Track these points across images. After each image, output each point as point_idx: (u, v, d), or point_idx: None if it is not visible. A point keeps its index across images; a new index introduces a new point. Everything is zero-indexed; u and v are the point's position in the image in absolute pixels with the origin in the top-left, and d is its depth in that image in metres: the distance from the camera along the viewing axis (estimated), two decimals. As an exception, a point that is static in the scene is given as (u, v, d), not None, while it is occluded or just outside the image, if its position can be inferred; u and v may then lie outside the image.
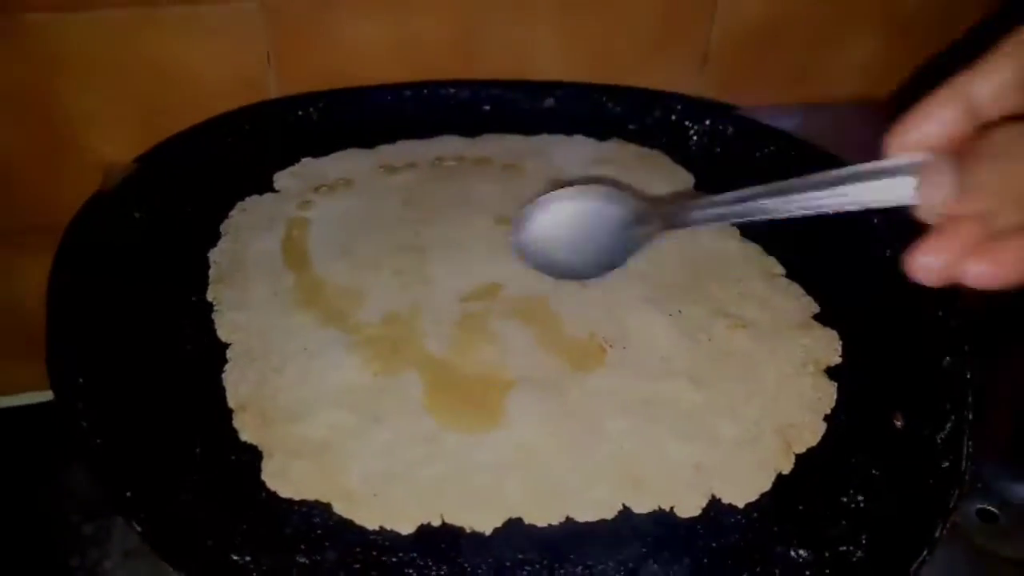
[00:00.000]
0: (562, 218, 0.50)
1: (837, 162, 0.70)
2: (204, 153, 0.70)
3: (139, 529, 0.43)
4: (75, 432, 0.48)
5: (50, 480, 0.61)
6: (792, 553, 0.46)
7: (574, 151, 0.75)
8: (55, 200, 0.66)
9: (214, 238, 0.64)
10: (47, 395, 0.49)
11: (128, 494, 0.45)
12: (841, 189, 0.39)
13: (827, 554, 0.46)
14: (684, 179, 0.71)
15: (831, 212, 0.40)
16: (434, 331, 0.55)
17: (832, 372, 0.56)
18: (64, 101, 0.75)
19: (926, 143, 0.37)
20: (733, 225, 0.66)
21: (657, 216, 0.49)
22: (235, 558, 0.44)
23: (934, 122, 0.37)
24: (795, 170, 0.70)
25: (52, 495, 0.59)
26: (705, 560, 0.46)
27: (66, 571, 0.55)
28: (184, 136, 0.71)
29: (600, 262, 0.51)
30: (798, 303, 0.59)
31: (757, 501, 0.49)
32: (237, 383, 0.52)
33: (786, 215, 0.42)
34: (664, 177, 0.71)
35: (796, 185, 0.42)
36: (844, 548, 0.47)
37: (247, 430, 0.50)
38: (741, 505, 0.48)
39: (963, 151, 0.37)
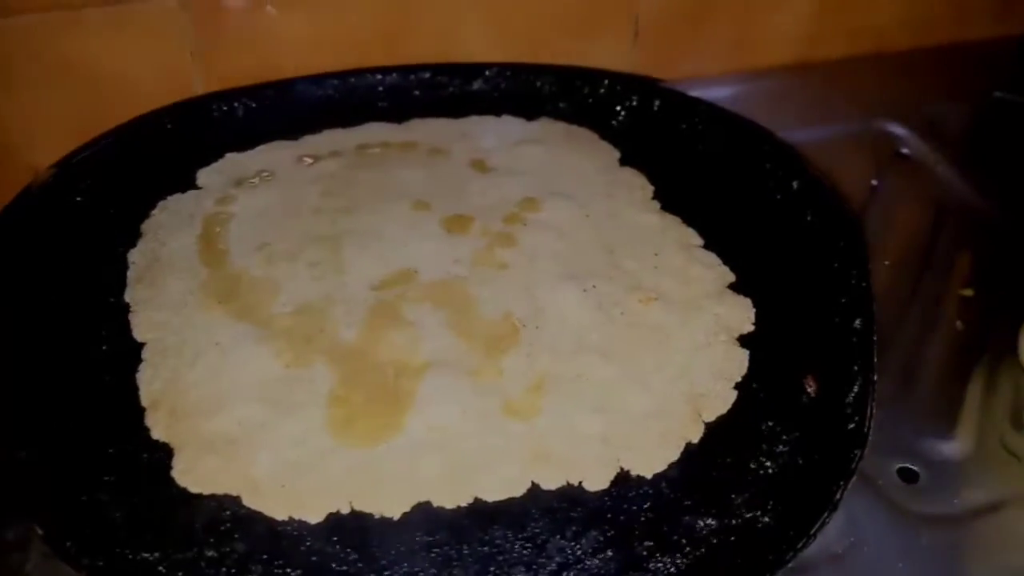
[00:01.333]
0: None
1: (761, 132, 0.71)
2: (126, 153, 0.70)
3: (40, 532, 0.44)
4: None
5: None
6: (699, 522, 0.47)
7: (502, 131, 0.75)
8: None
9: (136, 238, 0.64)
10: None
11: (32, 496, 0.45)
12: None
13: (734, 521, 0.47)
14: (610, 155, 0.71)
15: None
16: (346, 320, 0.55)
17: (745, 340, 0.56)
18: (-8, 107, 0.75)
19: None
20: (654, 199, 0.66)
21: None
22: (143, 556, 0.45)
23: None
24: (721, 142, 0.71)
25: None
26: (611, 533, 0.46)
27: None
28: (106, 137, 0.70)
29: None
30: (714, 273, 0.60)
31: (665, 471, 0.49)
32: (150, 381, 0.52)
33: None
34: (589, 153, 0.71)
35: None
36: (751, 515, 0.47)
37: (158, 427, 0.50)
38: (649, 476, 0.49)
39: None
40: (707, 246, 0.62)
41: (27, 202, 0.64)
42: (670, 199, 0.66)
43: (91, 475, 0.48)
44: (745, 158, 0.69)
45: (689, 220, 0.64)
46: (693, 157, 0.71)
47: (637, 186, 0.67)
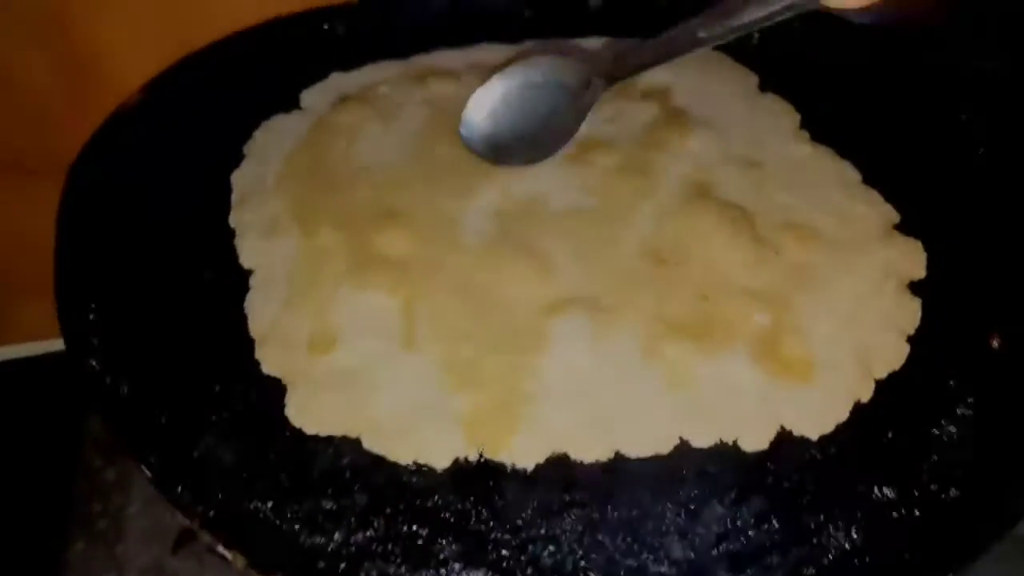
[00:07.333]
0: (511, 99, 0.52)
1: (909, 55, 0.63)
2: (225, 72, 0.65)
3: (148, 474, 0.40)
4: (85, 370, 0.44)
5: (72, 425, 0.58)
6: (876, 492, 0.41)
7: (624, 54, 0.68)
8: (80, 134, 0.61)
9: (237, 161, 0.59)
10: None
11: (139, 436, 0.42)
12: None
13: (916, 492, 0.41)
14: (747, 79, 0.64)
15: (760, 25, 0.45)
16: (470, 249, 0.50)
17: (916, 288, 0.50)
18: (82, 26, 0.71)
19: None
20: (802, 129, 0.59)
21: (599, 73, 0.50)
22: (256, 505, 0.41)
23: None
24: (868, 66, 0.64)
25: (74, 440, 0.57)
26: (777, 500, 0.41)
27: (88, 517, 0.52)
28: (203, 55, 0.66)
29: (551, 140, 0.52)
30: (877, 211, 0.53)
31: (833, 433, 0.44)
32: (260, 311, 0.48)
33: (721, 40, 0.47)
34: (725, 77, 0.64)
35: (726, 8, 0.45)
36: (935, 486, 0.41)
37: (270, 361, 0.46)
38: (815, 438, 0.43)
39: None
40: (866, 182, 0.55)
41: (121, 124, 0.60)
42: (820, 129, 0.59)
43: (198, 414, 0.44)
44: (905, 85, 0.62)
45: (843, 152, 0.57)
46: (842, 83, 0.63)
47: (782, 113, 0.60)
